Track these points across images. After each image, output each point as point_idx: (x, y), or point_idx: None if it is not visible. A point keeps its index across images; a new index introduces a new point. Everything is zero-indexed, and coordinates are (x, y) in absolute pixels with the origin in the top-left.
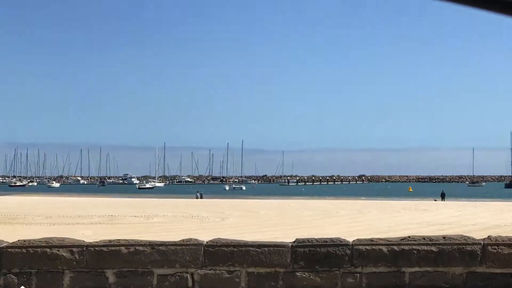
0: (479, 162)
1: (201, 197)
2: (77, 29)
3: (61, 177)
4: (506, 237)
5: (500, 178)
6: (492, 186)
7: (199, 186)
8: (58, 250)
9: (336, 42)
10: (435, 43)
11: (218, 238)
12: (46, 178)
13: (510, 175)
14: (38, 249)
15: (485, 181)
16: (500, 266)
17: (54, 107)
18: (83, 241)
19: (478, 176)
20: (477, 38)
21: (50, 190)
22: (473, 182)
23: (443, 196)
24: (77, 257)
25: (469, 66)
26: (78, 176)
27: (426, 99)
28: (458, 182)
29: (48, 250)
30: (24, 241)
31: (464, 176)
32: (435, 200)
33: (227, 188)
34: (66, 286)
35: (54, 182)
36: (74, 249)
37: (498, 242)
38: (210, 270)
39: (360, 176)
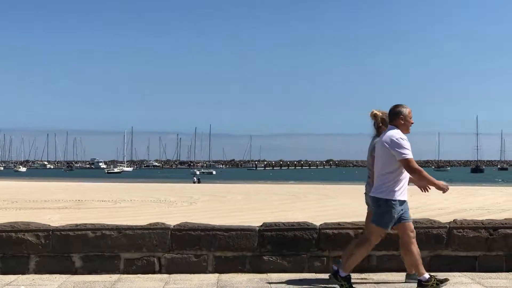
0: (445, 147)
1: (198, 182)
2: (46, 10)
3: (28, 161)
4: (471, 220)
5: (466, 163)
6: (458, 170)
7: (167, 171)
8: (24, 235)
9: (302, 29)
10: (400, 30)
11: (185, 222)
12: (12, 163)
13: (476, 160)
14: (3, 234)
15: (451, 166)
16: (465, 249)
17: (20, 92)
18: (49, 225)
19: (444, 161)
20: (441, 24)
21: (16, 175)
22: (439, 167)
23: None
24: (43, 242)
25: (435, 51)
26: (45, 161)
27: (392, 84)
28: (424, 166)
29: (13, 234)
30: None
31: (431, 160)
32: None
33: (198, 172)
34: (32, 270)
35: (20, 166)
36: (40, 234)
37: (463, 225)
38: (177, 254)
39: (328, 161)
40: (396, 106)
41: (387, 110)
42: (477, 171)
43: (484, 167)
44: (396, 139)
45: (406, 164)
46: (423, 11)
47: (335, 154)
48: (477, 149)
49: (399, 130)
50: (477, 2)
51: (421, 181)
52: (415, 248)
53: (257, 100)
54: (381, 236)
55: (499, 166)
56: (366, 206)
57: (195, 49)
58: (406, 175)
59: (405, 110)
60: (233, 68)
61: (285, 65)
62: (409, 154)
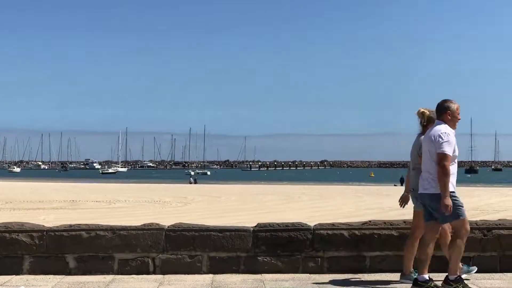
0: None
1: (195, 182)
2: (44, 10)
3: (22, 162)
4: None
5: (460, 164)
6: None
7: (162, 171)
8: (18, 235)
9: (295, 28)
10: (397, 31)
11: (179, 222)
12: (6, 163)
13: (470, 160)
14: None
15: None
16: None
17: (15, 92)
18: (43, 226)
19: None
20: (439, 25)
21: (11, 175)
22: None
23: (402, 181)
24: (37, 242)
25: (432, 52)
26: (39, 161)
27: (388, 84)
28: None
29: (7, 235)
30: None
31: None
32: (395, 186)
33: (193, 173)
34: (26, 271)
35: (15, 167)
36: (34, 234)
37: None
38: (171, 254)
39: (322, 162)
40: (445, 101)
41: (433, 108)
42: (471, 172)
43: (478, 168)
44: (442, 133)
45: (441, 158)
46: (422, 12)
47: (329, 155)
48: (471, 150)
49: (447, 125)
50: (475, 3)
51: (438, 180)
52: (432, 248)
53: (251, 101)
54: (467, 223)
55: (493, 167)
56: (361, 207)
57: (190, 50)
58: (454, 169)
59: (453, 106)
60: (228, 68)
61: (280, 66)
62: (448, 151)
